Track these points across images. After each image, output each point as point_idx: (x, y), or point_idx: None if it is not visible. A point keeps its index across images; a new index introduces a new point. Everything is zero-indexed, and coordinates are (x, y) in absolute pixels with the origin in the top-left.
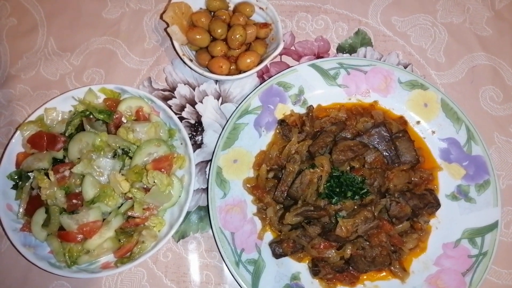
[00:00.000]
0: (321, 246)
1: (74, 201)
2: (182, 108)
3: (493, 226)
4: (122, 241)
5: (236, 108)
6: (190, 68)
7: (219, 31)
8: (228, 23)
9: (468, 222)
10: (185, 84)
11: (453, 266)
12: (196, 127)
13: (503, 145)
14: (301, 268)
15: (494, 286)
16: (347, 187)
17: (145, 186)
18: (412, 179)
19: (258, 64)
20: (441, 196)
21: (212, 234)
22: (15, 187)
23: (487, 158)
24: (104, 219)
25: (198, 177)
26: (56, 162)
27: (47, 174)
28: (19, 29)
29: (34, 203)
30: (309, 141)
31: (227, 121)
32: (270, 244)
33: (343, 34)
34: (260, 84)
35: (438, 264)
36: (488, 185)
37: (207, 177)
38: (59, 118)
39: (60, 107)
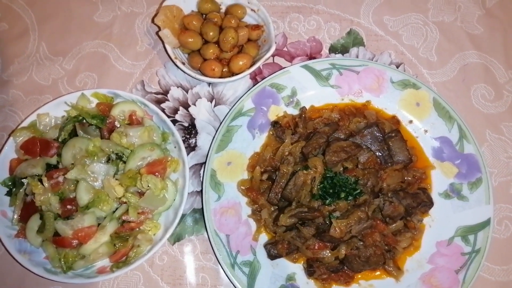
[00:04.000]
0: (316, 247)
1: (69, 206)
2: (175, 111)
3: (485, 224)
4: (117, 246)
5: (229, 110)
6: (183, 71)
7: (211, 34)
8: (219, 25)
9: (461, 220)
10: (178, 87)
11: (447, 264)
12: (190, 130)
13: (495, 142)
14: (296, 268)
15: (487, 283)
16: (340, 188)
17: (139, 191)
18: (405, 178)
19: (251, 66)
20: (434, 195)
21: (207, 236)
22: (9, 193)
23: (479, 156)
24: (99, 224)
25: (193, 180)
26: (49, 168)
27: (41, 180)
28: (10, 34)
29: (28, 209)
30: (303, 142)
31: (221, 123)
32: (265, 246)
33: (335, 34)
34: (253, 86)
35: (432, 262)
36: (481, 183)
37: (201, 180)
38: (52, 124)
39: (53, 113)
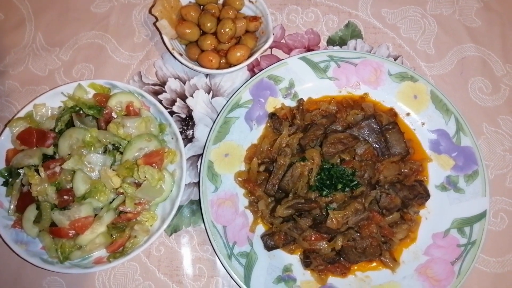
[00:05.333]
0: (313, 238)
1: (65, 197)
2: (173, 102)
3: (481, 216)
4: (114, 236)
5: (227, 102)
6: (180, 62)
7: (208, 25)
8: (217, 16)
9: (457, 212)
10: (175, 78)
11: (443, 256)
12: (187, 121)
13: (491, 135)
14: (293, 260)
15: (482, 274)
16: (337, 179)
17: (136, 181)
18: (402, 170)
19: (248, 57)
20: (430, 187)
21: (204, 227)
22: (5, 184)
23: (476, 148)
24: (95, 215)
25: (190, 171)
26: (46, 159)
27: (37, 171)
28: (6, 24)
29: (25, 200)
30: (300, 134)
31: (218, 115)
32: (262, 237)
33: (333, 27)
34: (251, 78)
35: (428, 254)
36: (477, 176)
37: (198, 171)
38: (49, 114)
39: (50, 103)
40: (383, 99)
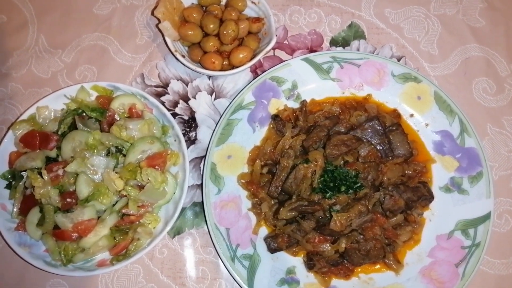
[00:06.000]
0: (316, 240)
1: (68, 199)
2: (175, 104)
3: (485, 217)
4: (117, 239)
5: (230, 103)
6: (183, 64)
7: (211, 26)
8: (220, 18)
9: (461, 214)
10: (178, 80)
11: (447, 258)
12: (190, 123)
13: (496, 136)
14: (296, 262)
15: (487, 276)
16: (341, 181)
17: (139, 184)
18: (406, 172)
19: (251, 59)
20: (434, 189)
21: (207, 230)
22: (8, 186)
23: (480, 150)
24: (99, 217)
25: (193, 173)
26: (49, 161)
27: (40, 173)
28: (8, 26)
29: (28, 203)
30: (303, 135)
31: (221, 116)
32: (265, 239)
33: (336, 27)
34: (253, 79)
35: (432, 256)
36: (481, 177)
37: (201, 173)
38: (52, 117)
39: (52, 106)
40: (387, 100)
